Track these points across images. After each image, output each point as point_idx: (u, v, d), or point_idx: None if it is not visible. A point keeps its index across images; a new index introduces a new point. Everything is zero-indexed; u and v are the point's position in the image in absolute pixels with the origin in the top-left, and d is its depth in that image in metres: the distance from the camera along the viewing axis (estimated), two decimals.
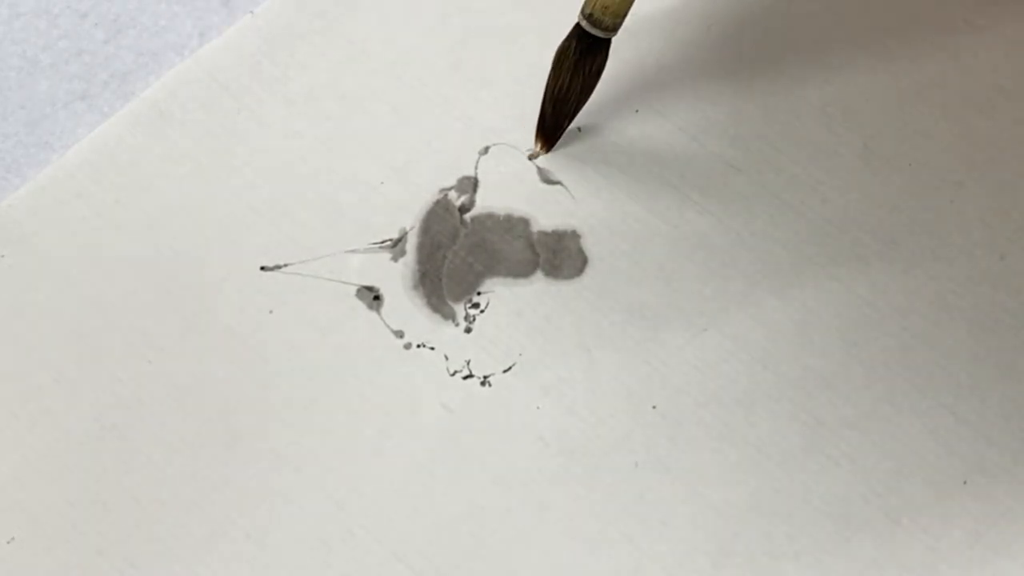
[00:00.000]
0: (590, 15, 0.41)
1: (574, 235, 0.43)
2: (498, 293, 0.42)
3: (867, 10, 0.46)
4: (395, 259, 0.43)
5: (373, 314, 0.42)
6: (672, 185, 0.43)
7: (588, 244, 0.43)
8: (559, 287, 0.42)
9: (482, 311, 0.42)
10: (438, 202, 0.44)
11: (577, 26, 0.42)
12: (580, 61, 0.42)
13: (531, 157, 0.44)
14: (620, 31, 0.42)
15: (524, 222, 0.43)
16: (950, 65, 0.45)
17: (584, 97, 0.43)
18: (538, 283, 0.42)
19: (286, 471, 0.40)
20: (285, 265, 0.43)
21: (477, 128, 0.45)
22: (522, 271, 0.42)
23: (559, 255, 0.42)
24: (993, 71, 0.44)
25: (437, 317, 0.42)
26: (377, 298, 0.42)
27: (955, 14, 0.45)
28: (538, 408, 0.40)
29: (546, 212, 0.43)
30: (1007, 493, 0.38)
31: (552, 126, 0.43)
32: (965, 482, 0.38)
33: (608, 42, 0.42)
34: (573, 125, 0.44)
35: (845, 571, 0.38)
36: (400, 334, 0.42)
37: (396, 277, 0.43)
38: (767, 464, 0.39)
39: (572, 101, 0.43)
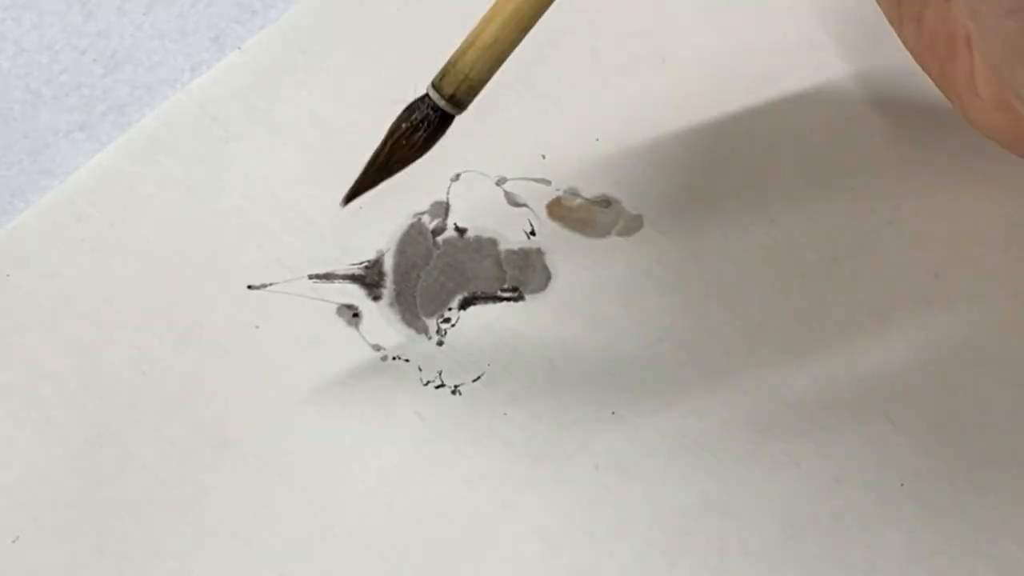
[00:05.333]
0: (441, 86, 0.38)
1: (539, 253, 0.44)
2: (468, 308, 0.43)
3: (811, 43, 0.47)
4: (374, 298, 0.44)
5: (352, 330, 0.43)
6: (630, 206, 0.44)
7: (552, 261, 0.43)
8: (525, 302, 0.43)
9: (453, 325, 0.43)
10: (412, 226, 0.45)
11: (425, 97, 0.38)
12: (420, 136, 0.38)
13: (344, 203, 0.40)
14: (574, 69, 0.43)
15: (492, 242, 0.44)
16: (890, 95, 0.46)
17: (404, 167, 0.39)
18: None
19: (271, 475, 0.41)
20: (270, 284, 0.44)
21: (448, 156, 0.44)
22: (491, 287, 0.43)
23: (525, 271, 0.43)
24: (928, 101, 0.45)
25: (411, 332, 0.43)
26: (356, 315, 0.43)
27: (892, 46, 0.45)
28: (505, 415, 0.41)
29: (513, 232, 0.44)
30: (941, 495, 0.39)
31: (363, 189, 0.39)
32: (902, 484, 0.39)
33: (452, 119, 0.38)
34: (537, 152, 0.45)
35: (791, 568, 0.39)
36: (377, 348, 0.42)
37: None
38: (718, 467, 0.40)
39: (393, 171, 0.39)
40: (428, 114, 0.38)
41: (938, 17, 0.40)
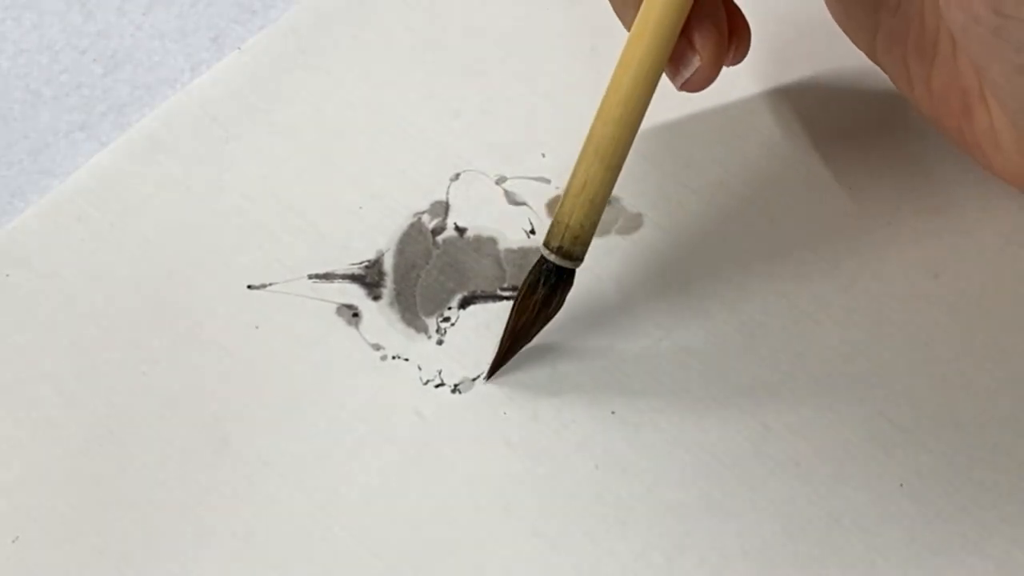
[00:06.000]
0: (559, 247, 0.39)
1: (539, 251, 0.42)
2: (468, 307, 0.43)
3: (810, 46, 0.47)
4: (374, 298, 0.44)
5: (352, 329, 0.43)
6: (629, 204, 0.45)
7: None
8: None
9: (453, 325, 0.43)
10: (412, 225, 0.45)
11: (543, 261, 0.40)
12: (549, 297, 0.40)
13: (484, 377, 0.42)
14: (574, 69, 0.43)
15: (492, 241, 0.44)
16: (888, 95, 0.45)
17: (543, 326, 0.41)
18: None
19: (271, 475, 0.40)
20: (270, 284, 0.44)
21: (448, 155, 0.46)
22: (491, 287, 0.43)
23: (525, 270, 0.42)
24: None
25: (411, 331, 0.43)
26: (356, 315, 0.43)
27: None
28: (505, 414, 0.41)
29: (513, 231, 0.44)
30: (940, 495, 0.39)
31: (506, 358, 0.41)
32: (901, 485, 0.39)
33: (575, 271, 0.40)
34: (537, 152, 0.45)
35: (791, 568, 0.38)
36: (377, 347, 0.42)
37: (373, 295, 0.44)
38: (718, 467, 0.40)
39: (533, 334, 0.41)
40: (545, 274, 0.40)
41: (947, 75, 0.40)
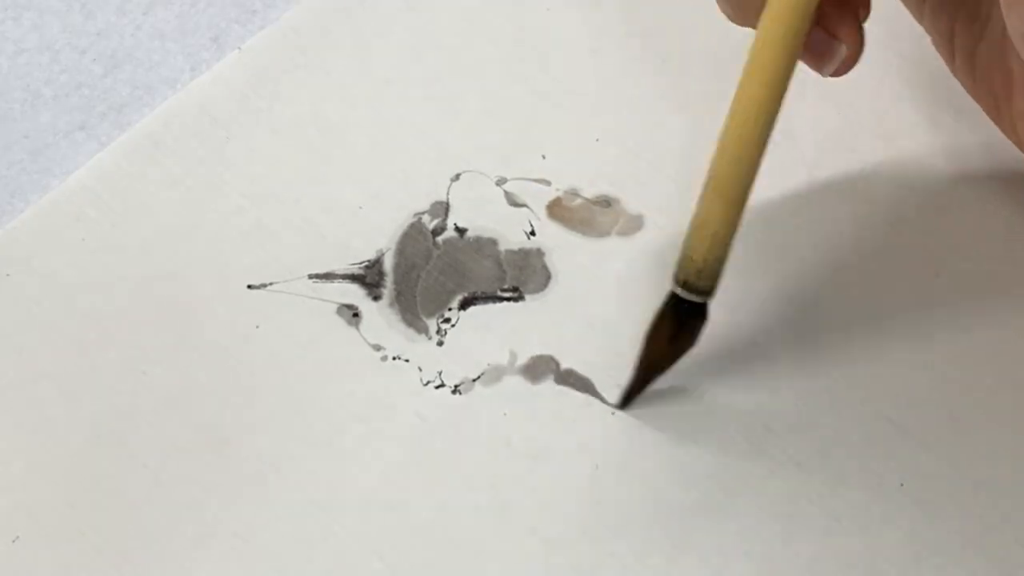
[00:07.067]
0: (685, 282, 0.38)
1: (539, 253, 0.44)
2: (468, 308, 0.43)
3: None
4: (374, 298, 0.44)
5: (352, 330, 0.43)
6: (630, 205, 0.45)
7: (552, 261, 0.44)
8: (525, 301, 0.43)
9: (453, 325, 0.43)
10: (412, 225, 0.45)
11: (672, 296, 0.38)
12: (679, 332, 0.39)
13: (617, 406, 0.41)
14: (574, 69, 0.43)
15: (492, 242, 0.44)
16: (890, 95, 0.46)
17: (676, 359, 0.40)
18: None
19: (272, 475, 0.40)
20: (270, 284, 0.44)
21: (448, 156, 0.46)
22: (491, 288, 0.43)
23: (525, 272, 0.43)
24: (928, 102, 0.45)
25: (412, 332, 0.43)
26: (356, 315, 0.43)
27: (890, 48, 0.46)
28: (505, 415, 0.41)
29: (513, 232, 0.44)
30: (941, 495, 0.39)
31: (639, 389, 0.41)
32: (902, 484, 0.39)
33: (706, 305, 0.38)
34: (537, 152, 0.45)
35: (791, 568, 0.38)
36: (377, 348, 0.42)
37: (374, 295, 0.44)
38: (718, 467, 0.40)
39: (665, 366, 0.40)
40: (675, 307, 0.39)
41: (992, 54, 0.40)
